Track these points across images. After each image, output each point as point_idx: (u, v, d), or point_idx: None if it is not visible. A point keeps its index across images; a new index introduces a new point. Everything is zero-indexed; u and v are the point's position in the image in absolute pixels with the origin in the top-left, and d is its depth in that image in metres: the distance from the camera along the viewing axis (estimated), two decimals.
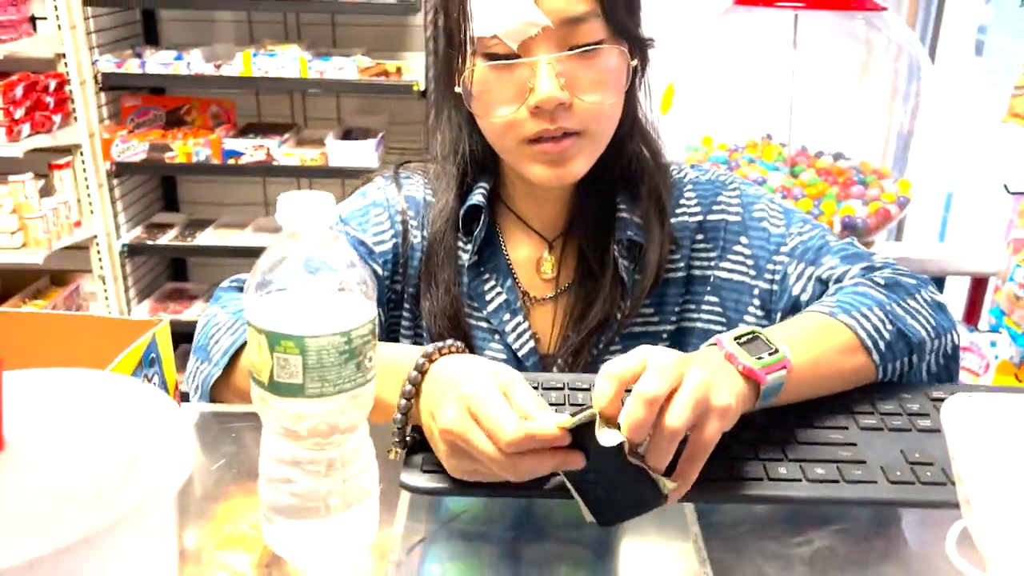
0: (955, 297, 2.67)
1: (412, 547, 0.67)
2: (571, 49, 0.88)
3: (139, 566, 0.32)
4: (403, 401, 0.71)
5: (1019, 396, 0.65)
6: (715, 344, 0.75)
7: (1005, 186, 1.99)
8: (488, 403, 0.64)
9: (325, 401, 0.57)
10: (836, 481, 0.71)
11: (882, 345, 0.84)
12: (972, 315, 2.42)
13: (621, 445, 0.61)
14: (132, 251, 3.01)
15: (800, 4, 2.11)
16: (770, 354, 0.73)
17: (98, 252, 2.94)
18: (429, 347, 0.73)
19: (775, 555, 0.67)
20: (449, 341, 0.75)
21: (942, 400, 0.76)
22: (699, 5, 2.59)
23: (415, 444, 0.74)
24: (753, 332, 0.75)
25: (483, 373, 0.68)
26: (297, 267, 0.57)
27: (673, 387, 0.63)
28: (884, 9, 2.21)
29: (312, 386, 0.56)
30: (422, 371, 0.72)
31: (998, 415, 0.64)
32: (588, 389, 0.82)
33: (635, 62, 0.94)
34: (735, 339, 0.74)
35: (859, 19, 2.35)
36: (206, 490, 0.74)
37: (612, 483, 0.65)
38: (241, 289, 0.99)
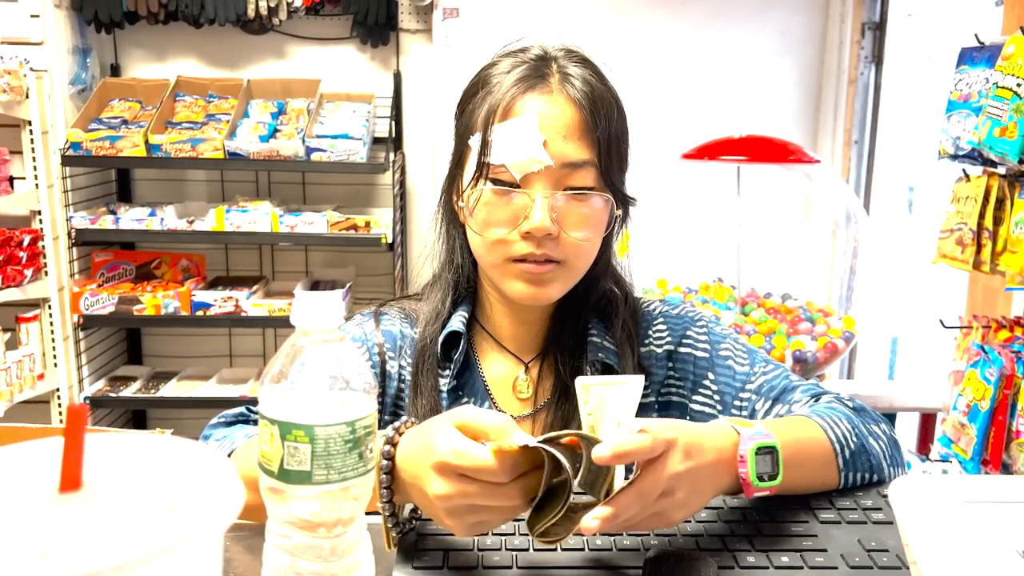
0: (906, 431, 2.76)
1: None
2: (566, 189, 0.99)
3: None
4: (384, 490, 0.75)
5: (958, 479, 0.72)
6: (738, 437, 0.82)
7: (940, 321, 2.12)
8: (464, 455, 0.69)
9: (331, 488, 0.62)
10: (800, 567, 0.76)
11: (847, 454, 0.91)
12: (923, 446, 2.51)
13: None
14: (94, 404, 3.01)
15: (741, 158, 2.29)
16: (770, 477, 0.81)
17: (59, 405, 2.93)
18: (388, 430, 0.77)
19: None
20: (404, 418, 0.79)
21: None
22: (649, 157, 2.78)
23: (409, 540, 0.78)
24: (773, 447, 0.82)
25: (444, 425, 0.72)
26: (307, 364, 0.63)
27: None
28: (818, 161, 2.40)
29: (319, 473, 0.61)
30: (390, 457, 0.76)
31: (941, 497, 0.70)
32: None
33: (619, 212, 1.05)
34: (757, 448, 0.81)
35: (797, 170, 2.54)
36: None
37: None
38: (227, 423, 1.05)
